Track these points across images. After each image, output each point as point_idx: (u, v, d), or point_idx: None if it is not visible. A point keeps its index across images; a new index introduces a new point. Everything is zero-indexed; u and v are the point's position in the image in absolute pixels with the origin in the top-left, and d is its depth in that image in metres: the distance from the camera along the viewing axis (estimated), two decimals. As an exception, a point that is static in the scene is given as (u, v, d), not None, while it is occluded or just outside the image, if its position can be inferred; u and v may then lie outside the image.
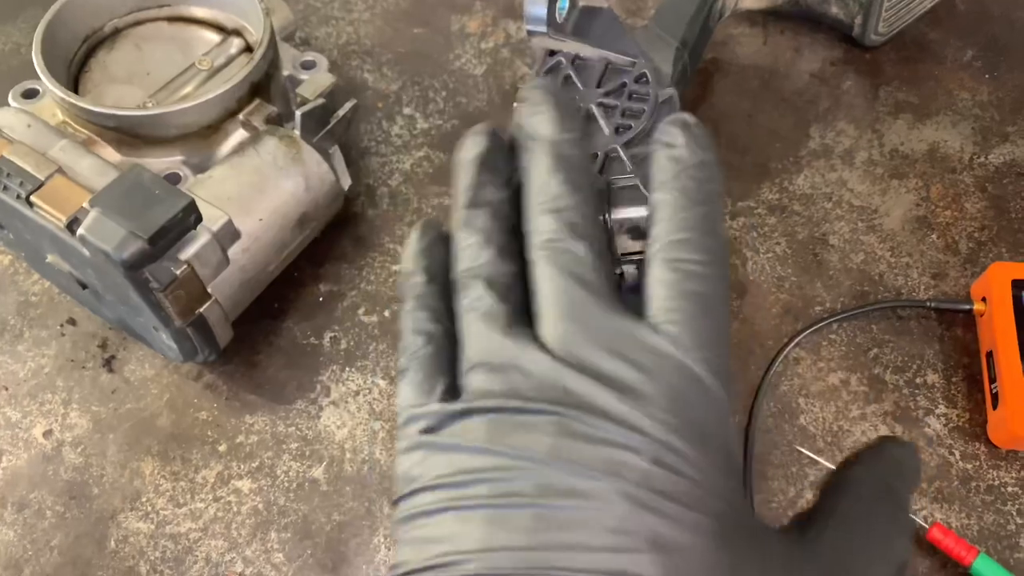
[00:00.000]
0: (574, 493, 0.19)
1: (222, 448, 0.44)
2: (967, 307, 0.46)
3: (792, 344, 0.46)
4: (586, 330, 0.21)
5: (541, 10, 0.45)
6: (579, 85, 0.45)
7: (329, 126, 0.47)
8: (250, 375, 0.46)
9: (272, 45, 0.47)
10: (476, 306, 0.22)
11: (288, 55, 0.50)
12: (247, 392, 0.46)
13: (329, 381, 0.46)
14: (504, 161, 0.24)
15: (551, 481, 0.20)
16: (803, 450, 0.43)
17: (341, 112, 0.48)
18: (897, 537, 0.23)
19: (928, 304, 0.46)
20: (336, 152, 0.49)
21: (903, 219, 0.50)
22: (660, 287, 0.21)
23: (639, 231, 0.42)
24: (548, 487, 0.20)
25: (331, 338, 0.47)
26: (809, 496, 0.42)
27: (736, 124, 0.53)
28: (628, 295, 0.46)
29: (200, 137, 0.45)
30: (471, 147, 0.24)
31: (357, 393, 0.45)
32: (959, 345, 0.46)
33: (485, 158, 0.24)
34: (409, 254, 0.25)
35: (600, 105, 0.45)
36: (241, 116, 0.46)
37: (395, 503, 0.22)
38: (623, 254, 0.43)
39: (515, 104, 0.24)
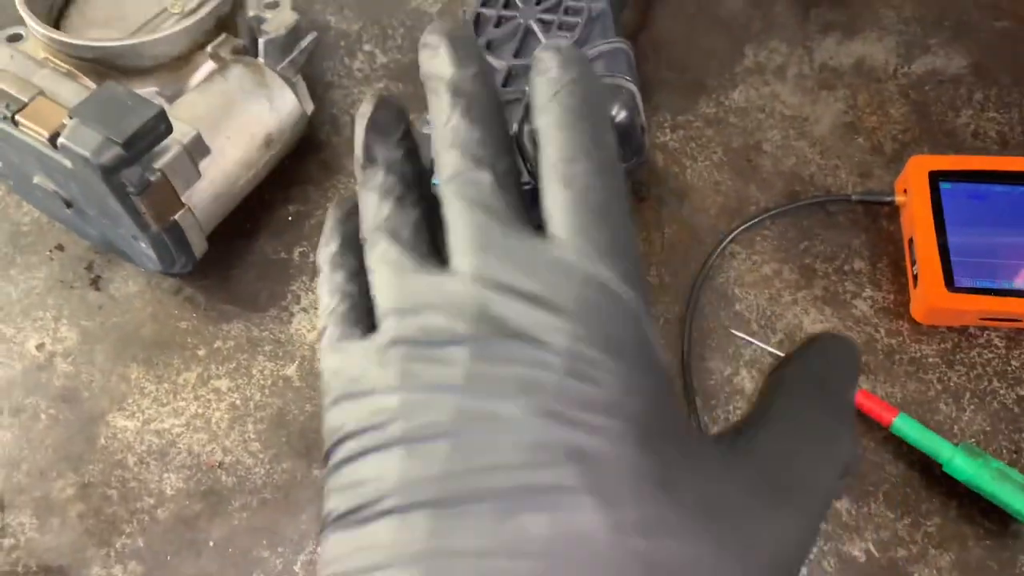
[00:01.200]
0: (490, 416, 0.19)
1: (201, 353, 0.48)
2: (889, 199, 0.50)
3: (728, 240, 0.49)
4: (493, 255, 0.21)
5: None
6: (519, 4, 0.49)
7: (292, 55, 0.51)
8: (225, 287, 0.50)
9: (238, -15, 0.51)
10: (383, 258, 0.22)
11: (253, -2, 0.54)
12: (223, 303, 0.49)
13: (299, 290, 0.49)
14: (394, 119, 0.25)
15: (467, 407, 0.19)
16: (737, 333, 0.47)
17: (303, 43, 0.52)
18: (838, 433, 0.23)
19: (853, 198, 0.50)
20: (299, 81, 0.52)
21: (832, 126, 0.53)
22: (556, 205, 0.21)
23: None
24: (464, 413, 0.19)
25: (300, 252, 0.51)
26: (744, 374, 0.46)
27: (675, 47, 0.57)
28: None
29: (173, 68, 0.49)
30: (360, 114, 0.25)
31: (326, 300, 0.49)
32: (884, 235, 0.50)
33: (372, 120, 0.25)
34: (326, 229, 0.26)
35: (539, 21, 0.48)
36: (209, 48, 0.49)
37: (325, 459, 0.22)
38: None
39: (419, 51, 0.25)
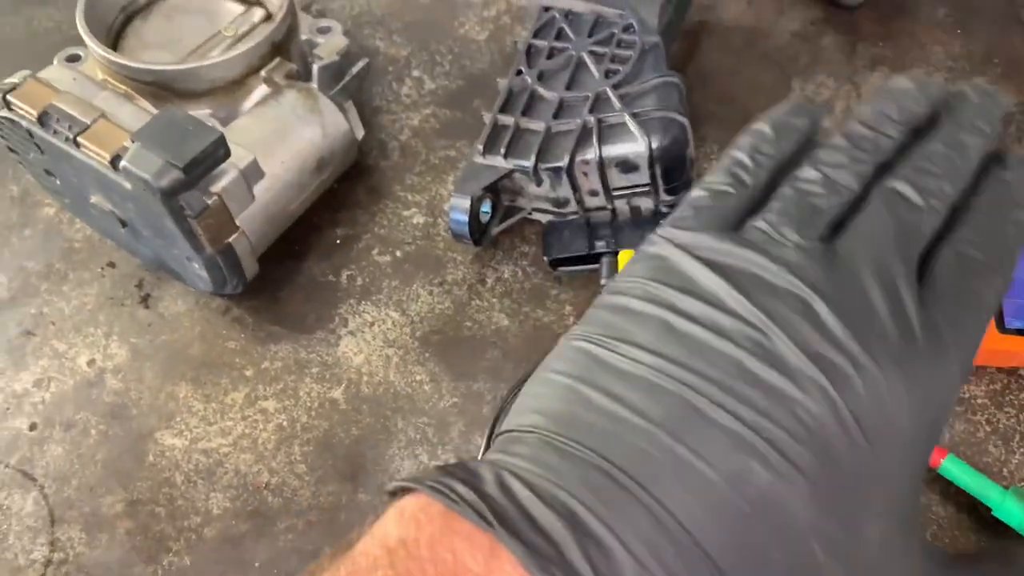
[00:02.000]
0: (783, 368, 0.20)
1: (249, 373, 0.48)
2: (938, 237, 0.49)
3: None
4: (877, 262, 0.21)
5: (536, -32, 0.49)
6: (571, 36, 0.50)
7: (344, 81, 0.52)
8: (274, 309, 0.50)
9: (291, 9, 0.52)
10: (804, 189, 0.23)
11: (306, 23, 0.55)
12: (271, 324, 0.50)
13: (346, 313, 0.50)
14: (917, 115, 0.25)
15: (768, 345, 0.20)
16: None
17: (354, 69, 0.52)
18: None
19: (901, 235, 0.50)
20: (350, 107, 0.53)
21: (879, 161, 0.53)
22: (944, 270, 0.22)
23: (628, 165, 0.46)
24: (762, 348, 0.20)
25: (348, 276, 0.51)
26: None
27: (722, 79, 0.57)
28: (628, 227, 0.49)
29: (227, 92, 0.50)
30: (902, 83, 0.26)
31: (372, 324, 0.49)
32: (931, 273, 0.49)
33: (906, 98, 0.25)
34: (773, 112, 0.26)
35: (591, 53, 0.49)
36: (264, 72, 0.50)
37: (622, 275, 0.23)
38: (616, 189, 0.47)
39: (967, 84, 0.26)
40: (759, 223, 0.23)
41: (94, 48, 0.48)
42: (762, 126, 0.25)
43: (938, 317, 0.21)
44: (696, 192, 0.24)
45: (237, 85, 0.50)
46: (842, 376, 0.20)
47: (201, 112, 0.50)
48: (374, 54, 0.60)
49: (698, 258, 0.22)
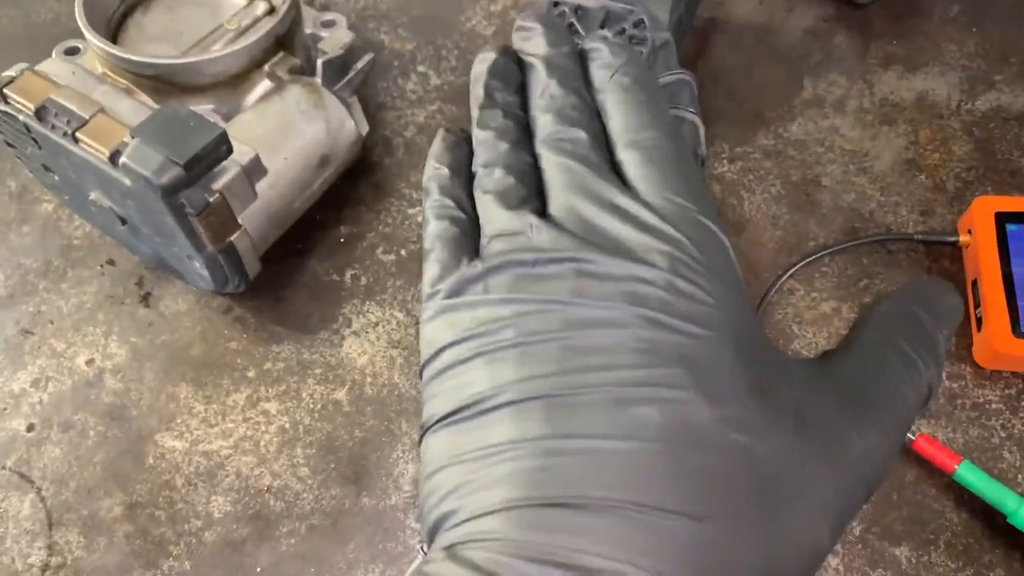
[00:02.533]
0: (598, 323, 0.21)
1: (251, 374, 0.47)
2: (953, 239, 0.48)
3: (786, 276, 0.48)
4: (589, 196, 0.23)
5: (546, -38, 0.48)
6: (581, 31, 0.49)
7: (348, 76, 0.51)
8: (276, 308, 0.49)
9: (295, 2, 0.50)
10: (494, 187, 0.24)
11: (310, 16, 0.54)
12: (273, 324, 0.49)
13: (350, 314, 0.49)
14: (513, 71, 0.27)
15: (575, 316, 0.21)
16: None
17: (359, 64, 0.51)
18: (923, 360, 0.24)
19: (916, 237, 0.49)
20: (355, 102, 0.52)
21: (893, 162, 0.52)
22: (632, 164, 0.24)
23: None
24: (573, 321, 0.21)
25: (352, 275, 0.50)
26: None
27: (733, 77, 0.56)
28: None
29: (230, 86, 0.49)
30: (482, 61, 0.27)
31: (376, 324, 0.48)
32: (946, 276, 0.49)
33: (495, 67, 0.27)
34: (433, 152, 0.27)
35: (601, 49, 0.48)
36: (267, 67, 0.49)
37: (421, 370, 0.23)
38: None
39: (513, 33, 0.27)
40: (484, 236, 0.24)
41: (93, 41, 0.47)
42: (431, 168, 0.27)
43: (663, 201, 0.23)
44: (429, 250, 0.25)
45: (240, 80, 0.49)
46: (639, 297, 0.21)
47: (203, 107, 0.49)
48: (379, 48, 0.59)
49: (471, 295, 0.23)
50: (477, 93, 0.27)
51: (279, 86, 0.49)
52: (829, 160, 0.53)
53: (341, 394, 0.46)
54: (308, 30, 0.52)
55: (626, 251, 0.22)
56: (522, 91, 0.27)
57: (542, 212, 0.24)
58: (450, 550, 0.20)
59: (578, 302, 0.22)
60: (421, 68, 0.58)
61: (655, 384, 0.21)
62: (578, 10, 0.49)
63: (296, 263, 0.51)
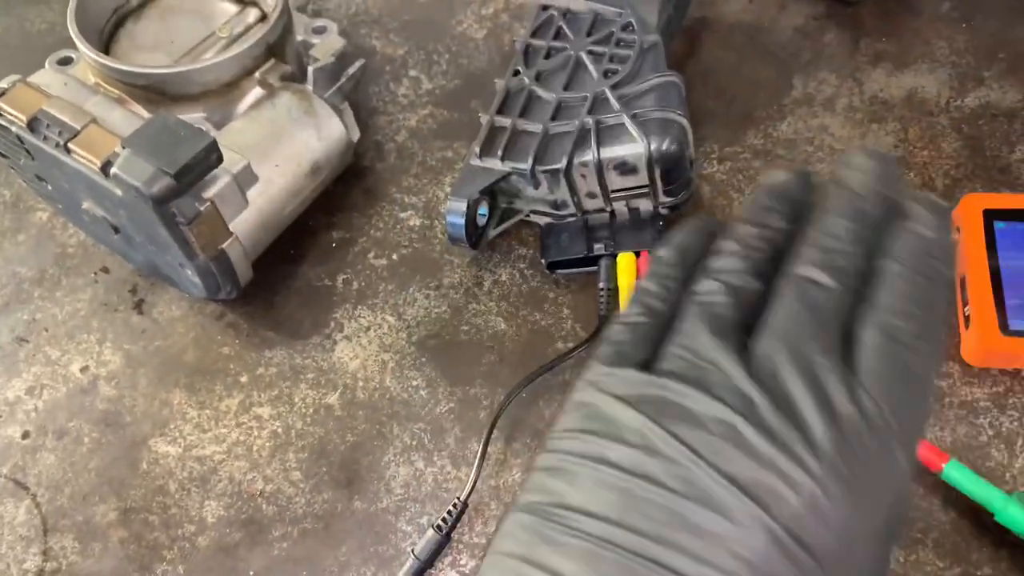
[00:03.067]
0: (715, 505, 0.19)
1: (243, 379, 0.48)
2: (942, 238, 0.48)
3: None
4: (797, 357, 0.21)
5: (533, -33, 0.48)
6: (570, 35, 0.49)
7: (339, 83, 0.51)
8: (269, 314, 0.50)
9: (286, 9, 0.51)
10: (706, 301, 0.22)
11: (301, 23, 0.54)
12: (266, 329, 0.49)
13: (342, 318, 0.49)
14: (799, 202, 0.25)
15: (699, 484, 0.19)
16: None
17: (350, 70, 0.52)
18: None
19: (904, 236, 0.49)
20: (346, 108, 0.52)
21: (882, 160, 0.52)
22: (872, 351, 0.21)
23: (627, 167, 0.45)
24: (691, 486, 0.19)
25: (343, 280, 0.51)
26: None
27: (722, 76, 0.56)
28: (627, 229, 0.48)
29: (221, 95, 0.49)
30: (777, 177, 0.25)
31: (368, 328, 0.49)
32: (935, 274, 0.49)
33: (784, 188, 0.25)
34: (673, 239, 0.25)
35: (589, 52, 0.48)
36: (258, 74, 0.49)
37: (556, 429, 0.22)
38: (614, 191, 0.47)
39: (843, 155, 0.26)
40: (673, 348, 0.22)
41: (85, 51, 0.48)
42: (664, 251, 0.25)
43: (873, 405, 0.20)
44: (613, 327, 0.24)
45: (231, 88, 0.49)
46: (774, 497, 0.19)
47: (195, 115, 0.49)
48: (371, 54, 0.59)
49: (621, 399, 0.21)
50: (755, 202, 0.25)
51: (270, 93, 0.49)
52: (819, 159, 0.53)
53: (333, 398, 0.47)
54: (299, 37, 0.53)
55: (791, 437, 0.20)
56: (795, 221, 0.24)
57: (744, 345, 0.22)
58: None
59: (707, 469, 0.20)
60: (413, 72, 0.58)
61: None
62: (567, 14, 0.50)
63: (288, 269, 0.51)
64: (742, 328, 0.22)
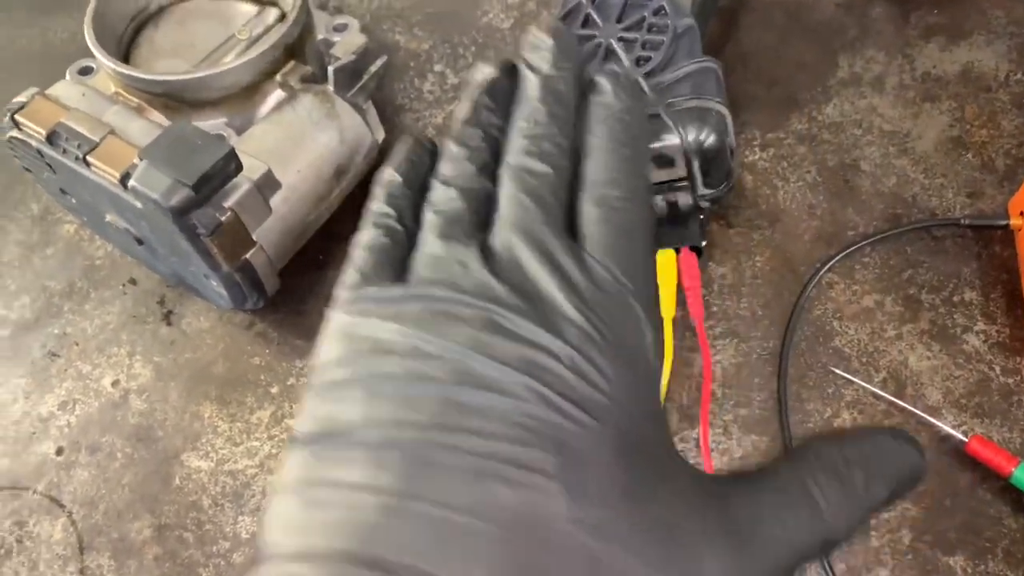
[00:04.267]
0: (487, 384, 0.20)
1: (274, 391, 0.47)
2: (1004, 223, 0.45)
3: (825, 269, 0.46)
4: (531, 241, 0.22)
5: (559, -49, 0.46)
6: (599, 22, 0.46)
7: (361, 82, 0.49)
8: (298, 322, 0.48)
9: (304, 9, 0.49)
10: (443, 208, 0.23)
11: (322, 20, 0.52)
12: (296, 338, 0.48)
13: (372, 325, 0.48)
14: (508, 92, 0.25)
15: (467, 369, 0.21)
16: (837, 371, 0.43)
17: (373, 68, 0.50)
18: (836, 516, 0.23)
19: (963, 222, 0.46)
20: (370, 107, 0.51)
21: (936, 141, 0.49)
22: (591, 220, 0.23)
23: (664, 159, 0.43)
24: (463, 374, 0.21)
25: (372, 285, 0.49)
26: (845, 416, 0.42)
27: (763, 58, 0.53)
28: (666, 224, 0.46)
29: (241, 99, 0.48)
30: (483, 72, 0.26)
31: (399, 335, 0.47)
32: (997, 262, 0.46)
33: (493, 85, 0.25)
34: (393, 158, 0.26)
35: (620, 39, 0.46)
36: (278, 77, 0.48)
37: (312, 368, 0.23)
38: (652, 184, 0.44)
39: (521, 38, 0.26)
40: (419, 258, 0.23)
41: (102, 60, 0.47)
42: (387, 172, 0.26)
43: (604, 270, 0.22)
44: (355, 255, 0.24)
45: (251, 91, 0.48)
46: (539, 368, 0.21)
47: (216, 121, 0.48)
48: (394, 49, 0.57)
49: (379, 315, 0.22)
50: (467, 103, 0.25)
51: (291, 96, 0.48)
52: (867, 143, 0.50)
53: (365, 408, 0.45)
54: (320, 36, 0.51)
55: (542, 312, 0.21)
56: (509, 117, 0.25)
57: (484, 242, 0.23)
58: None
59: (476, 356, 0.21)
60: (438, 67, 0.56)
61: (521, 465, 0.20)
62: (595, 0, 0.47)
63: (316, 275, 0.50)
64: (481, 226, 0.23)
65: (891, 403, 0.42)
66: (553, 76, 0.25)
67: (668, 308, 0.44)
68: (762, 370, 0.44)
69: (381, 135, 0.50)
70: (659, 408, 0.23)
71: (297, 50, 0.49)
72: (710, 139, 0.42)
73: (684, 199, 0.45)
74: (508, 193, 0.23)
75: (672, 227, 0.45)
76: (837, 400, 0.43)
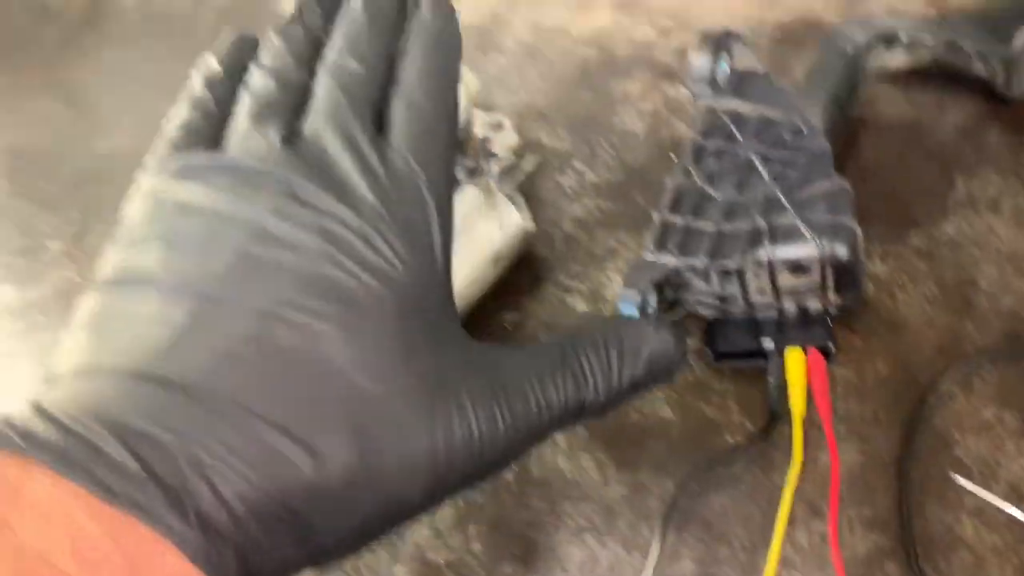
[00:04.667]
0: (282, 243, 0.24)
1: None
2: (1121, 346, 0.48)
3: (944, 380, 0.49)
4: (337, 129, 0.26)
5: (704, 71, 0.52)
6: (739, 138, 0.51)
7: (517, 176, 0.55)
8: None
9: (468, 111, 0.55)
10: (258, 92, 0.27)
11: (479, 119, 0.59)
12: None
13: (514, 398, 0.52)
14: (337, 3, 0.30)
15: (266, 230, 0.24)
16: (959, 479, 0.46)
17: (527, 166, 0.56)
18: (593, 385, 0.27)
19: (1080, 343, 0.49)
20: (521, 200, 0.56)
21: (1053, 264, 0.53)
22: (398, 118, 0.27)
23: (799, 268, 0.47)
24: (261, 234, 0.24)
25: (515, 361, 0.54)
26: (966, 523, 0.45)
27: (882, 175, 0.58)
28: (794, 325, 0.50)
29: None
30: None
31: (539, 410, 0.52)
32: (1115, 384, 0.48)
33: None
34: (216, 47, 0.29)
35: (759, 155, 0.50)
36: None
37: (117, 224, 0.26)
38: (784, 289, 0.48)
39: None
40: (231, 136, 0.26)
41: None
42: (207, 60, 0.29)
43: (402, 162, 0.26)
44: (167, 129, 0.27)
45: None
46: (331, 234, 0.24)
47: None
48: (538, 146, 0.63)
49: (184, 179, 0.25)
50: (297, 4, 0.30)
51: (456, 188, 0.54)
52: (986, 262, 0.53)
53: (509, 475, 0.50)
54: (481, 134, 0.57)
55: (340, 189, 0.25)
56: (332, 20, 0.29)
57: (295, 127, 0.26)
58: (38, 405, 0.21)
59: (272, 219, 0.24)
60: (578, 165, 0.62)
61: (306, 310, 0.23)
62: (736, 117, 0.52)
63: (464, 349, 0.55)
64: (294, 114, 0.27)
65: (1011, 516, 0.45)
66: None
67: (798, 405, 0.47)
68: (884, 472, 0.47)
69: (532, 226, 0.56)
70: (442, 282, 0.27)
71: (461, 145, 0.55)
72: (843, 252, 0.46)
73: (814, 304, 0.49)
74: (323, 84, 0.27)
75: (802, 329, 0.49)
76: (957, 507, 0.45)
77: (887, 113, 0.61)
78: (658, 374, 0.29)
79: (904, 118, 0.60)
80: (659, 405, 0.51)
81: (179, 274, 0.23)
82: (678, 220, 0.49)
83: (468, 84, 0.59)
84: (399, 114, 0.27)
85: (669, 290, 0.51)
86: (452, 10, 0.30)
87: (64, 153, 0.72)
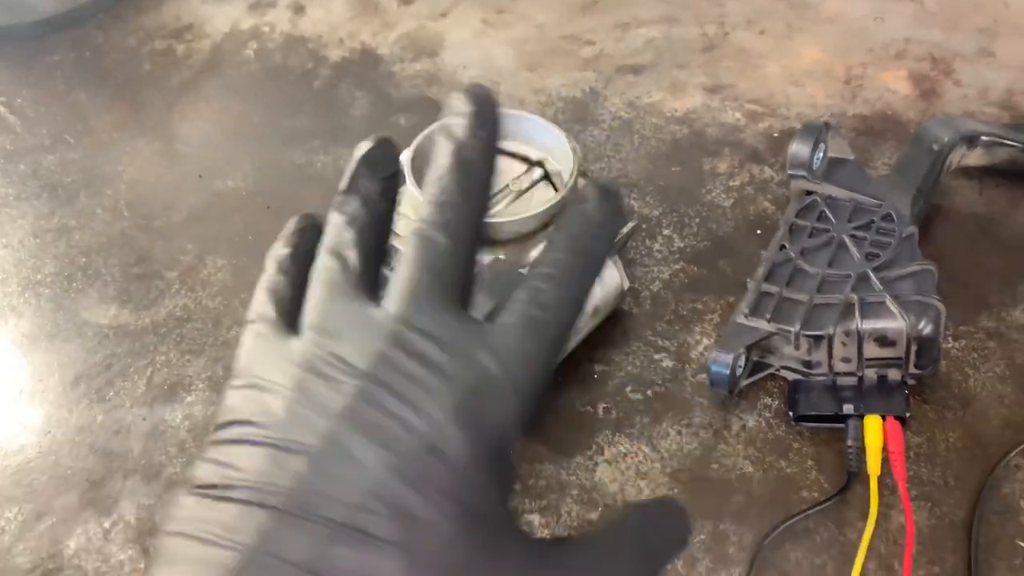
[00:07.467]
0: (349, 454, 0.22)
1: (516, 487, 0.55)
2: None
3: (1014, 452, 0.52)
4: (419, 312, 0.23)
5: (803, 157, 0.57)
6: (832, 219, 0.56)
7: (616, 238, 0.60)
8: (539, 431, 0.57)
9: (574, 174, 0.61)
10: (325, 276, 0.25)
11: (581, 183, 0.64)
12: (536, 444, 0.56)
13: (603, 443, 0.56)
14: (386, 159, 0.27)
15: (335, 437, 0.22)
16: (1025, 546, 0.49)
17: (624, 230, 0.61)
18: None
19: None
20: (617, 260, 0.61)
21: (1118, 354, 0.56)
22: (513, 311, 0.24)
23: (886, 341, 0.51)
24: (330, 441, 0.22)
25: (603, 408, 0.58)
26: (1031, 589, 0.48)
27: (955, 261, 0.62)
28: (874, 392, 0.53)
29: (521, 242, 0.59)
30: (360, 147, 0.27)
31: (626, 455, 0.55)
32: None
33: (369, 154, 0.27)
34: (283, 233, 0.28)
35: (851, 236, 0.55)
36: (551, 228, 0.59)
37: (214, 428, 0.25)
38: (868, 359, 0.52)
39: (445, 103, 0.26)
40: (308, 313, 0.25)
41: (415, 193, 0.58)
42: (276, 248, 0.28)
43: (490, 356, 0.23)
44: (249, 316, 0.26)
45: (528, 237, 0.59)
46: (397, 443, 0.22)
47: (495, 255, 0.59)
48: (629, 212, 0.68)
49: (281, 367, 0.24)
50: (345, 174, 0.27)
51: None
52: (1054, 348, 0.57)
53: (594, 515, 0.53)
54: (581, 196, 0.62)
55: (409, 390, 0.23)
56: (393, 180, 0.27)
57: (372, 303, 0.24)
58: None
59: (344, 424, 0.22)
60: (666, 231, 0.67)
61: (366, 532, 0.22)
62: (828, 200, 0.57)
63: (556, 393, 0.59)
64: (366, 287, 0.25)
65: (1076, 584, 0.47)
66: (466, 144, 0.25)
67: (874, 467, 0.51)
68: (954, 535, 0.50)
69: (627, 284, 0.60)
70: (509, 482, 0.24)
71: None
72: (928, 328, 0.50)
73: (894, 375, 0.52)
74: (405, 257, 0.24)
75: (880, 397, 0.53)
76: (1022, 573, 0.48)
77: (960, 204, 0.65)
78: (678, 552, 0.28)
79: (976, 210, 0.65)
80: (740, 461, 0.54)
81: (257, 485, 0.23)
82: (773, 289, 0.54)
83: (575, 150, 0.64)
84: (516, 304, 0.24)
85: (756, 352, 0.55)
86: (616, 200, 0.27)
87: (180, 189, 0.77)
